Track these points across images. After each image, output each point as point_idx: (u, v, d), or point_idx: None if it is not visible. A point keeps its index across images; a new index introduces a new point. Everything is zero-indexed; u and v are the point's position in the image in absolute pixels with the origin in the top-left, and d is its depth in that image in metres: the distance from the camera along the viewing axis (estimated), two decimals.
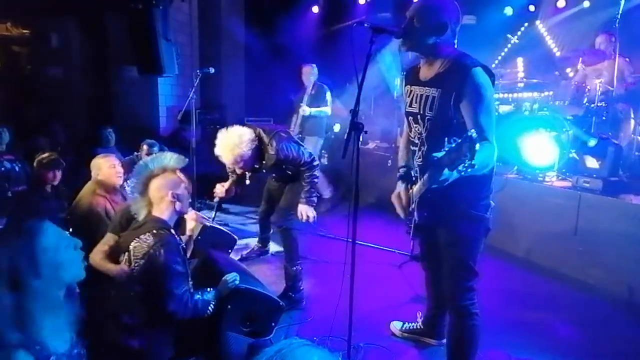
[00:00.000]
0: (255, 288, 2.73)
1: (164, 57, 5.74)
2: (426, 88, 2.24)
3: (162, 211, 2.30)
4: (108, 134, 5.99)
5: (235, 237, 3.94)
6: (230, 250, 3.90)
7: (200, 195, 6.13)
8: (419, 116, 2.28)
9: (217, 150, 3.27)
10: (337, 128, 8.34)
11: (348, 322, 2.38)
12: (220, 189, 3.68)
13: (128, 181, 2.54)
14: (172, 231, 2.28)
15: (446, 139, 1.76)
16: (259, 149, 3.30)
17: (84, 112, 7.04)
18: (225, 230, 3.94)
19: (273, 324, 2.85)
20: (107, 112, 6.88)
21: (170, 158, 2.44)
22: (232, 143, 3.20)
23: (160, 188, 2.30)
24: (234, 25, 8.39)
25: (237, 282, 2.50)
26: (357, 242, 2.27)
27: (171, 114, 7.05)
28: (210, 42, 7.86)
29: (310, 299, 3.49)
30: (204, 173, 6.25)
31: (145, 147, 4.91)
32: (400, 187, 2.37)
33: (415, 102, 2.29)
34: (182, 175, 2.45)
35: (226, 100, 8.22)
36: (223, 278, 2.48)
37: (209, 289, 2.39)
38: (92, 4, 6.47)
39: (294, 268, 3.54)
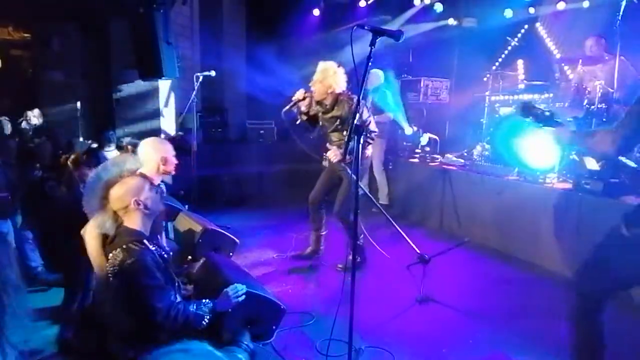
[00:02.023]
0: (256, 291, 2.73)
1: (165, 61, 5.75)
2: None
3: (133, 220, 2.11)
4: (110, 136, 5.99)
5: (236, 239, 3.94)
6: (231, 253, 3.90)
7: (202, 197, 6.13)
8: None
9: (320, 66, 3.82)
10: None
11: (349, 324, 2.39)
12: (300, 92, 3.88)
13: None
14: (146, 241, 2.11)
15: None
16: (337, 99, 3.80)
17: (86, 115, 7.06)
18: (227, 233, 3.94)
19: (274, 327, 2.84)
20: (108, 115, 6.89)
21: (126, 160, 2.24)
22: (334, 72, 3.77)
23: (120, 198, 2.10)
24: (235, 29, 8.41)
25: (240, 299, 2.36)
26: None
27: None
28: (212, 46, 7.87)
29: (312, 301, 3.50)
30: (204, 175, 6.28)
31: (129, 147, 4.48)
32: None
33: None
34: (142, 177, 2.26)
35: (227, 103, 8.24)
36: (224, 290, 2.36)
37: (206, 301, 2.26)
38: (93, 7, 6.49)
39: (360, 242, 3.99)
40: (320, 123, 4.05)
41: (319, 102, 3.90)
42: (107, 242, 2.17)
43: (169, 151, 3.01)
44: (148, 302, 2.01)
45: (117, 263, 2.01)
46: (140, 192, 2.13)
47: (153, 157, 2.90)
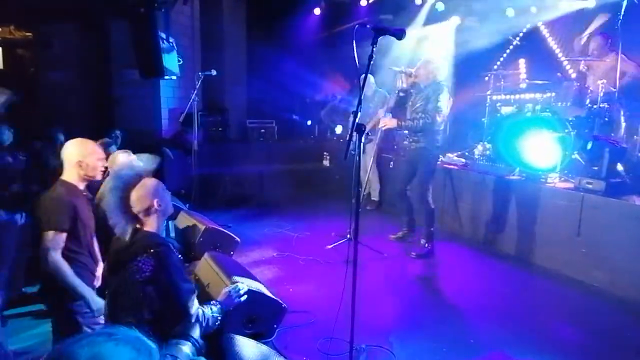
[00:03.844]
0: (257, 290, 2.73)
1: (165, 60, 5.74)
2: None
3: (152, 224, 2.08)
4: (113, 136, 5.98)
5: (237, 238, 3.95)
6: (232, 252, 3.90)
7: (203, 196, 6.14)
8: None
9: (426, 58, 4.48)
10: (338, 130, 8.36)
11: (350, 323, 2.38)
12: (410, 70, 4.56)
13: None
14: (170, 245, 2.08)
15: None
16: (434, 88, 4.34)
17: (87, 115, 7.06)
18: (228, 232, 3.94)
19: (275, 326, 2.84)
20: (109, 115, 6.90)
21: (143, 161, 2.19)
22: (442, 66, 4.42)
23: (143, 199, 2.05)
24: (236, 28, 8.41)
25: (242, 298, 2.39)
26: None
27: (173, 116, 7.06)
28: (212, 45, 7.87)
29: (313, 299, 3.49)
30: (205, 174, 6.29)
31: (98, 142, 4.19)
32: None
33: None
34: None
35: (228, 102, 8.24)
36: (224, 289, 2.39)
37: (213, 302, 2.28)
38: (95, 7, 6.49)
39: (431, 229, 4.54)
40: (408, 100, 4.61)
41: (415, 84, 4.52)
42: (119, 247, 2.08)
43: (92, 154, 2.56)
44: (182, 307, 2.00)
45: (149, 269, 1.94)
46: (158, 193, 2.10)
47: (72, 159, 2.52)
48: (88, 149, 2.56)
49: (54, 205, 2.39)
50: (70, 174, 2.52)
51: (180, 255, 2.21)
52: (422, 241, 4.56)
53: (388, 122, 4.60)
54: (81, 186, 2.56)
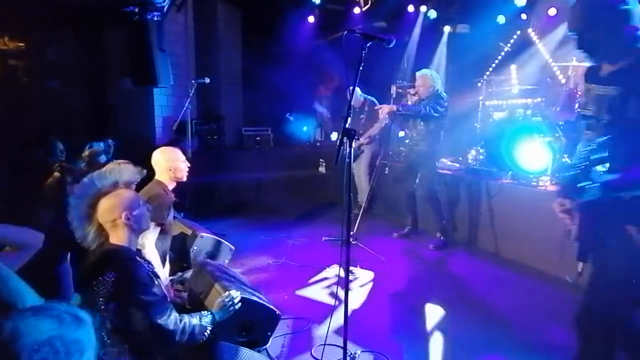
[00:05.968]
0: (251, 297, 2.73)
1: (159, 68, 5.76)
2: (605, 87, 1.89)
3: (120, 236, 1.95)
4: (106, 145, 5.96)
5: (232, 247, 3.94)
6: (227, 260, 3.90)
7: (198, 204, 6.14)
8: (593, 120, 1.98)
9: (426, 72, 4.92)
10: (334, 136, 8.40)
11: (344, 329, 2.39)
12: (413, 90, 5.08)
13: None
14: (138, 258, 1.98)
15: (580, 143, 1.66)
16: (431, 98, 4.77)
17: (81, 124, 7.06)
18: (222, 240, 3.94)
19: (269, 333, 2.84)
20: (103, 124, 6.90)
21: (123, 171, 2.08)
22: (436, 75, 4.89)
23: (111, 209, 1.94)
24: (231, 36, 8.45)
25: (236, 307, 2.33)
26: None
27: (167, 125, 7.06)
28: (207, 53, 7.90)
29: (307, 306, 3.49)
30: (200, 182, 6.29)
31: (87, 152, 3.96)
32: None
33: (592, 105, 2.00)
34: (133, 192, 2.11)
35: (224, 110, 8.25)
36: (218, 300, 2.33)
37: (206, 313, 2.19)
38: (88, 16, 6.51)
39: (444, 222, 5.00)
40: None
41: (422, 99, 4.90)
42: (86, 263, 1.97)
43: (177, 159, 3.15)
44: (152, 320, 1.86)
45: (110, 285, 1.81)
46: (133, 207, 1.99)
47: (162, 165, 3.09)
48: (173, 155, 3.11)
49: (156, 200, 2.73)
50: (163, 177, 3.07)
51: (156, 270, 2.12)
52: (438, 234, 5.00)
53: (386, 107, 4.95)
54: (171, 186, 3.11)
